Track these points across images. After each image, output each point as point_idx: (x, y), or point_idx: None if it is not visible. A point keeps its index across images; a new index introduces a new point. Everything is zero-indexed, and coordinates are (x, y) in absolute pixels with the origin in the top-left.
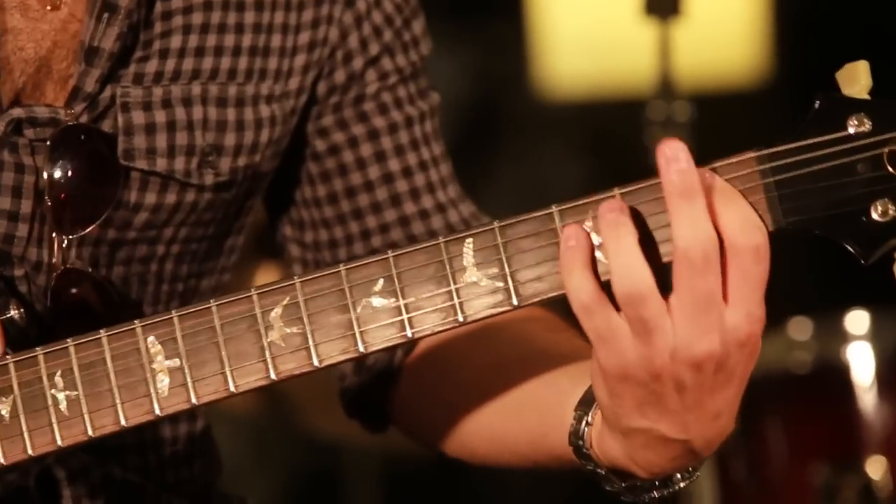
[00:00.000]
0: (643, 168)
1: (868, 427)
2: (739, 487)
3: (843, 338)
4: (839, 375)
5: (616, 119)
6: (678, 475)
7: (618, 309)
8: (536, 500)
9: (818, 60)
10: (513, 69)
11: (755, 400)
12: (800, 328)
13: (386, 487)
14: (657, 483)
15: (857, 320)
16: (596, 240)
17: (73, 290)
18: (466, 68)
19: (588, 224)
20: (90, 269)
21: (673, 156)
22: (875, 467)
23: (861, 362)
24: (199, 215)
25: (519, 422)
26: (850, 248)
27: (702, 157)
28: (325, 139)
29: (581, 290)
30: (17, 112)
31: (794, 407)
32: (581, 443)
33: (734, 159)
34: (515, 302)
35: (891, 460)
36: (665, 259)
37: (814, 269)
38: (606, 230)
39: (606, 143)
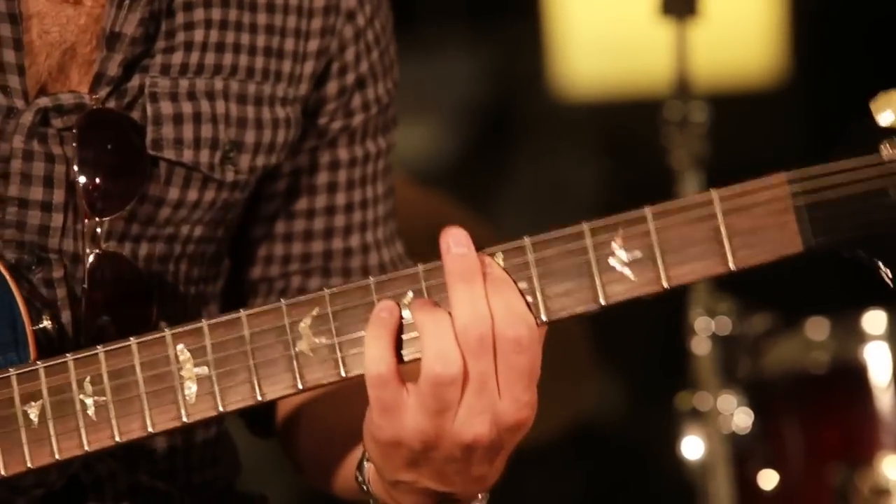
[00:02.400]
0: (660, 168)
1: (885, 427)
2: (757, 488)
3: (861, 338)
4: (856, 375)
5: (633, 119)
6: None
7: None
8: (550, 495)
9: (834, 61)
10: (530, 70)
11: (773, 400)
12: (817, 328)
13: None
14: None
15: (875, 320)
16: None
17: (110, 275)
18: (484, 69)
19: (406, 299)
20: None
21: (455, 241)
22: (892, 467)
23: (878, 362)
24: (214, 214)
25: (338, 466)
26: (880, 270)
27: (719, 157)
28: (292, 159)
29: (381, 361)
30: (44, 101)
31: (811, 407)
32: (365, 484)
33: (766, 180)
34: (544, 317)
35: None
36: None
37: (831, 269)
38: (423, 313)
39: (623, 143)
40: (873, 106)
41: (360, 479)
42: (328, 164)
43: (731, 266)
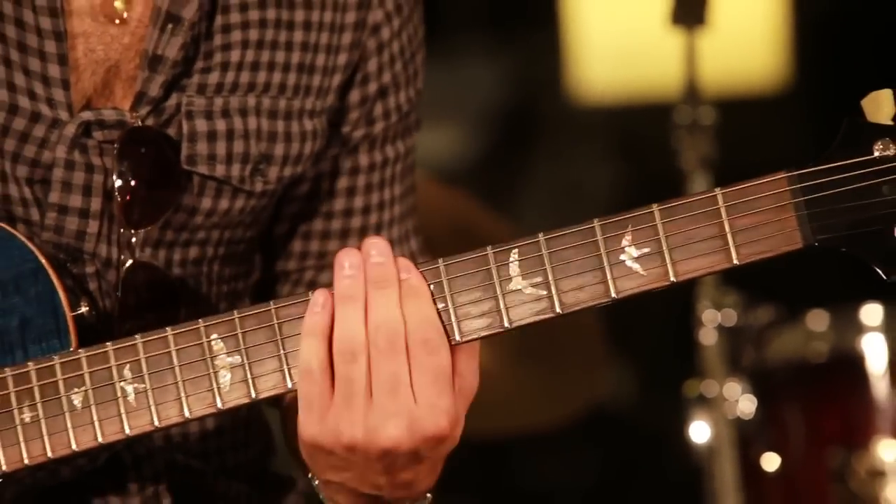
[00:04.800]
0: (670, 169)
1: (881, 413)
2: (761, 470)
3: (858, 329)
4: (854, 365)
5: (645, 122)
6: None
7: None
8: (567, 475)
9: (835, 68)
10: (548, 76)
11: (775, 387)
12: (817, 320)
13: None
14: None
15: (872, 313)
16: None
17: (142, 283)
18: (505, 75)
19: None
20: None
21: (377, 251)
22: (887, 450)
23: (875, 352)
24: (243, 219)
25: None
26: (873, 265)
27: (726, 158)
28: (315, 165)
29: (313, 357)
30: (87, 115)
31: (811, 394)
32: (314, 479)
33: (766, 179)
34: (559, 310)
35: None
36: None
37: (831, 264)
38: (341, 304)
39: (635, 145)
40: (865, 104)
41: (310, 475)
42: (349, 169)
43: (735, 261)
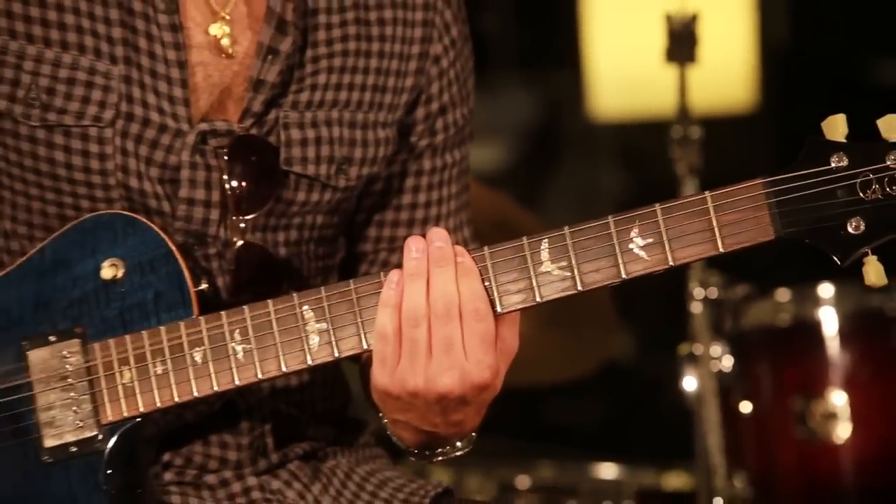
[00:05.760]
0: (666, 175)
1: (833, 368)
2: (738, 413)
3: (815, 302)
4: (812, 330)
5: (645, 138)
6: (441, 449)
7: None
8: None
9: (796, 95)
10: (569, 101)
11: (749, 348)
12: (784, 295)
13: None
14: (426, 452)
15: (826, 290)
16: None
17: (251, 259)
18: (535, 102)
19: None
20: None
21: (437, 238)
22: (837, 398)
23: (828, 320)
24: (331, 208)
25: None
26: (830, 253)
27: (710, 166)
28: (388, 167)
29: (388, 323)
30: (204, 126)
31: (778, 353)
32: (383, 417)
33: (745, 184)
34: (580, 288)
35: (849, 393)
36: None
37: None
38: (409, 281)
39: (638, 156)
40: (824, 126)
41: (380, 413)
42: (415, 171)
43: (721, 249)
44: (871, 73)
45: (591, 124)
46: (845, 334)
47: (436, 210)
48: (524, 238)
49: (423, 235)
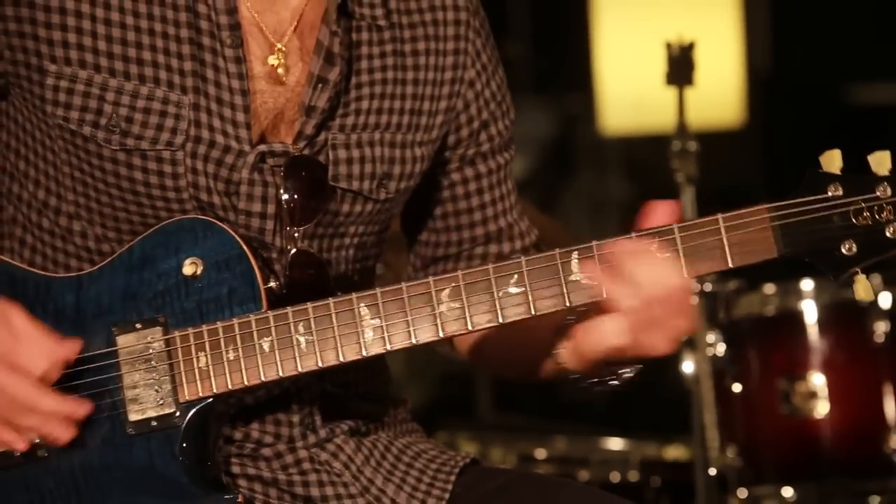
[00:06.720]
0: (667, 184)
1: (813, 353)
2: (730, 393)
3: (798, 296)
4: (795, 320)
5: (649, 151)
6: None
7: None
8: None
9: (779, 114)
10: (581, 119)
11: (740, 336)
12: (770, 289)
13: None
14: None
15: (807, 284)
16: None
17: (303, 264)
18: (551, 119)
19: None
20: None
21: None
22: (817, 379)
23: (809, 312)
24: (371, 217)
25: (526, 357)
26: (826, 271)
27: (706, 177)
28: (446, 175)
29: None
30: (262, 147)
31: (765, 339)
32: (560, 360)
33: (753, 209)
34: (605, 294)
35: (827, 375)
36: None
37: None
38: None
39: (641, 167)
40: (822, 159)
41: (559, 361)
42: (473, 176)
43: (730, 265)
44: (843, 95)
45: (601, 139)
46: (824, 324)
47: (501, 206)
48: (556, 251)
49: (498, 230)
